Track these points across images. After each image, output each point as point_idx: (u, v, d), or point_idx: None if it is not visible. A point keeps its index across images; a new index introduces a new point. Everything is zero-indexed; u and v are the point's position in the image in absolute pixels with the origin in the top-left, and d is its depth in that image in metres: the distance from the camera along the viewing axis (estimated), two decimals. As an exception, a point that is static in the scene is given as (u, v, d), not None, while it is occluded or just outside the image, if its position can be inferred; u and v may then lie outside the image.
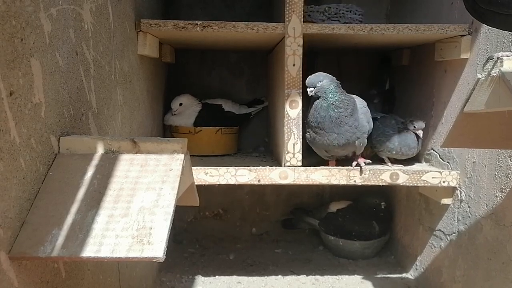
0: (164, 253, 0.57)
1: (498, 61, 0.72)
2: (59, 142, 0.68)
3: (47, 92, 0.64)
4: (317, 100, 1.16)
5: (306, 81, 1.15)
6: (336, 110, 1.15)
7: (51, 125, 0.66)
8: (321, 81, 1.15)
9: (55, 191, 0.63)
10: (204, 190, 1.12)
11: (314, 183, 1.19)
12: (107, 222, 0.61)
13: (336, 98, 1.15)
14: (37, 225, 0.59)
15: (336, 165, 1.23)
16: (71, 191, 0.64)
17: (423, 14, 1.42)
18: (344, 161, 1.25)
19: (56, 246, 0.58)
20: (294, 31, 1.15)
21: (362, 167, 1.18)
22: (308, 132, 1.20)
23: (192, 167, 0.86)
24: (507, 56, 0.72)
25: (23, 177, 0.58)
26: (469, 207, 1.13)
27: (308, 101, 1.19)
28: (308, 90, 1.15)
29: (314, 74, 1.17)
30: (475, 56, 1.12)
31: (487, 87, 0.74)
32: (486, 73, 0.75)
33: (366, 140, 1.22)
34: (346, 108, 1.15)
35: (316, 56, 1.75)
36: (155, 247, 0.58)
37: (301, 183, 1.19)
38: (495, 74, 0.72)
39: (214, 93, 1.70)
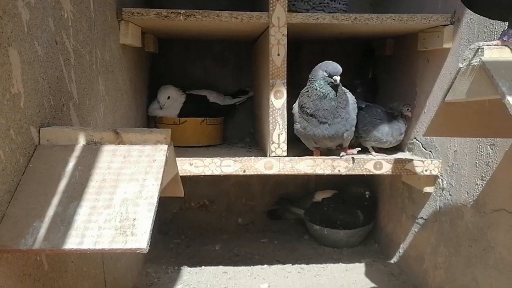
0: (148, 244, 0.57)
1: (479, 50, 0.73)
2: (39, 133, 0.67)
3: (26, 82, 0.63)
4: (324, 87, 1.12)
5: (336, 69, 1.11)
6: (336, 100, 1.14)
7: (31, 116, 0.64)
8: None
9: (36, 183, 0.63)
10: (190, 181, 1.12)
11: (299, 173, 1.20)
12: (89, 214, 0.60)
13: (341, 87, 1.16)
14: (17, 218, 0.58)
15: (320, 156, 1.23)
16: (52, 183, 0.63)
17: (406, 4, 1.42)
18: (329, 152, 1.26)
19: (37, 238, 0.57)
20: (278, 21, 1.15)
21: (353, 157, 1.20)
22: (298, 122, 1.19)
23: (177, 158, 0.86)
24: (487, 45, 0.72)
25: (2, 169, 0.57)
26: (450, 195, 1.15)
27: (295, 91, 1.19)
28: (338, 78, 1.11)
29: (334, 62, 1.14)
30: (457, 46, 1.13)
31: (468, 76, 0.75)
32: (467, 63, 0.76)
33: (353, 134, 1.23)
34: (343, 99, 1.16)
35: (301, 46, 1.75)
36: (139, 238, 0.57)
37: (286, 173, 1.19)
38: (476, 64, 0.73)
39: (198, 84, 1.69)
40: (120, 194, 0.63)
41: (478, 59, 0.73)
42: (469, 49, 0.76)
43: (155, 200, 0.63)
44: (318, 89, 1.14)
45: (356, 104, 1.23)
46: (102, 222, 0.59)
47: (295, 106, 1.22)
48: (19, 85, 0.61)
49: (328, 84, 1.13)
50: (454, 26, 1.15)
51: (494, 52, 0.73)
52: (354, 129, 1.22)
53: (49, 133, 0.68)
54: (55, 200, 0.61)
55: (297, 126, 1.20)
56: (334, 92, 1.13)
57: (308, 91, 1.16)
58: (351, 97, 1.22)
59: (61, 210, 0.60)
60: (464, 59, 0.77)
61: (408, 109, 1.30)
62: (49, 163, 0.65)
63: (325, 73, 1.13)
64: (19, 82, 0.61)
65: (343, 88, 1.20)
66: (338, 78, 1.11)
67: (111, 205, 0.61)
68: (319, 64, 1.16)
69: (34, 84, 0.65)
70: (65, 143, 0.68)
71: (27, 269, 0.62)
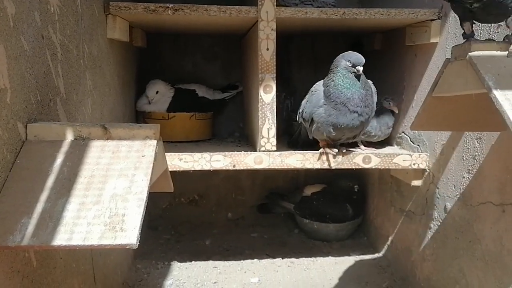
0: (137, 239, 0.57)
1: (466, 45, 0.74)
2: (26, 129, 0.66)
3: (12, 77, 0.62)
4: (349, 75, 1.12)
5: (359, 60, 1.11)
6: (365, 88, 1.13)
7: (18, 112, 0.64)
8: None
9: (24, 179, 0.62)
10: (179, 176, 1.12)
11: (289, 167, 1.20)
12: (78, 210, 0.60)
13: (364, 76, 1.15)
14: (5, 214, 0.58)
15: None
16: (40, 179, 0.62)
17: (394, -1, 1.43)
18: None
19: (26, 235, 0.56)
20: (267, 15, 1.14)
21: (343, 150, 1.21)
22: (323, 107, 1.15)
23: (166, 153, 0.86)
24: (467, 41, 0.74)
25: (-12, 166, 0.56)
26: (437, 188, 1.16)
27: (287, 85, 1.18)
28: (361, 68, 1.11)
29: (356, 53, 1.13)
30: (445, 40, 1.14)
31: (455, 70, 0.76)
32: (454, 57, 0.76)
33: (370, 127, 1.24)
34: (369, 87, 1.16)
35: (291, 40, 1.75)
36: (128, 234, 0.57)
37: (276, 167, 1.20)
38: (462, 58, 0.74)
39: (187, 78, 1.68)
40: (109, 189, 0.63)
41: (465, 54, 0.73)
42: (454, 45, 0.77)
43: (144, 196, 0.63)
44: (345, 79, 1.12)
45: (376, 94, 1.21)
46: (91, 218, 0.59)
47: (319, 90, 1.17)
48: (5, 81, 0.60)
49: (351, 73, 1.12)
50: (441, 21, 1.15)
51: (480, 47, 0.74)
52: (371, 122, 1.21)
53: (36, 129, 0.67)
54: (43, 196, 0.60)
55: (320, 111, 1.15)
56: (360, 82, 1.12)
57: (333, 81, 1.13)
58: (374, 89, 1.20)
59: (49, 206, 0.60)
60: (452, 54, 0.78)
61: (389, 104, 1.31)
62: (37, 159, 0.65)
63: (348, 63, 1.12)
64: (5, 78, 0.60)
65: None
66: (361, 68, 1.11)
67: (100, 201, 0.61)
68: (341, 54, 1.15)
69: (20, 80, 0.64)
70: (52, 139, 0.68)
71: (16, 265, 0.62)
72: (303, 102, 1.23)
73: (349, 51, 1.15)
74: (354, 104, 1.12)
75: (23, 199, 0.60)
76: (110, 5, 1.09)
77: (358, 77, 1.12)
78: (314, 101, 1.17)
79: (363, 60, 1.12)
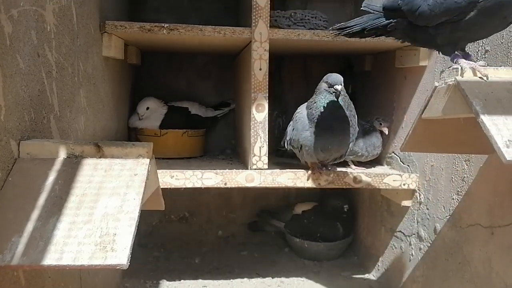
0: (128, 260, 0.57)
1: (454, 70, 0.76)
2: (19, 147, 0.66)
3: (7, 95, 0.62)
4: (330, 97, 1.13)
5: (336, 79, 1.12)
6: (348, 108, 1.15)
7: (11, 129, 0.64)
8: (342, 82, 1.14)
9: (15, 197, 0.62)
10: (170, 192, 1.12)
11: (280, 186, 1.20)
12: (69, 229, 0.59)
13: (347, 97, 1.16)
14: (-5, 233, 0.57)
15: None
16: (31, 197, 0.62)
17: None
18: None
19: (15, 254, 0.56)
20: (260, 36, 1.16)
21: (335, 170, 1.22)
22: (308, 129, 1.16)
23: (158, 170, 0.86)
24: (455, 67, 0.76)
25: (-20, 183, 0.56)
26: (427, 209, 1.17)
27: (279, 103, 1.19)
28: (340, 87, 1.12)
29: (335, 74, 1.14)
30: (433, 64, 1.17)
31: (443, 95, 0.78)
32: (443, 82, 0.78)
33: (354, 149, 1.24)
34: (352, 108, 1.17)
35: (283, 60, 1.78)
36: (119, 254, 0.57)
37: (268, 185, 1.20)
38: (451, 83, 0.76)
39: (181, 96, 1.69)
40: (101, 208, 0.63)
41: (453, 79, 0.75)
42: (443, 70, 0.79)
43: (136, 215, 0.62)
44: (324, 101, 1.14)
45: (357, 117, 1.22)
46: (81, 238, 0.59)
47: (303, 113, 1.19)
48: (0, 98, 0.60)
49: (331, 94, 1.13)
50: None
51: (468, 72, 0.76)
52: (357, 141, 1.21)
53: (29, 147, 0.67)
54: (35, 215, 0.60)
55: (306, 133, 1.17)
56: (343, 102, 1.14)
57: (315, 103, 1.15)
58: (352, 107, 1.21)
59: (40, 225, 0.59)
60: (440, 78, 0.80)
61: (380, 124, 1.32)
62: (29, 176, 0.65)
63: (326, 84, 1.14)
64: (0, 96, 0.60)
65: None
66: (339, 87, 1.12)
67: (91, 220, 0.61)
68: (323, 78, 1.16)
69: (15, 97, 0.65)
70: (45, 157, 0.68)
71: (4, 284, 0.61)
72: (289, 129, 1.24)
73: (329, 73, 1.16)
74: (335, 124, 1.14)
75: (14, 217, 0.59)
76: (106, 24, 1.10)
77: (337, 97, 1.13)
78: (300, 126, 1.19)
79: (340, 79, 1.13)
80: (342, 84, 1.13)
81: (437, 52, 0.85)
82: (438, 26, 0.79)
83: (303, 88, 1.78)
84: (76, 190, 0.64)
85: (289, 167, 1.25)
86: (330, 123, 1.14)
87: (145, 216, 1.71)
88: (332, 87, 1.12)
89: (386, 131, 1.32)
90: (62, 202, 0.63)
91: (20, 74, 0.66)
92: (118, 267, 0.57)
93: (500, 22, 0.75)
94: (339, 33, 0.92)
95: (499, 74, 0.75)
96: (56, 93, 0.81)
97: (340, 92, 1.13)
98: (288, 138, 1.25)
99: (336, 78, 1.13)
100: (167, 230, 1.78)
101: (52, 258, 0.56)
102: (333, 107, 1.13)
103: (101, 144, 0.70)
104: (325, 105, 1.14)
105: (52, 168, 0.66)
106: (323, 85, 1.15)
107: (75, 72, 0.92)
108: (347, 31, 0.90)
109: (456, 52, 0.80)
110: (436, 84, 0.81)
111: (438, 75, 0.84)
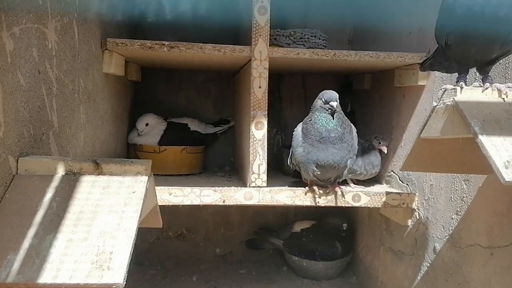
0: (124, 279, 0.56)
1: (452, 91, 0.76)
2: (17, 163, 0.66)
3: (6, 111, 0.62)
4: (325, 114, 1.14)
5: (331, 96, 1.13)
6: (342, 125, 1.15)
7: (10, 146, 0.64)
8: (338, 98, 1.15)
9: (12, 214, 0.61)
10: (168, 209, 1.11)
11: (279, 204, 1.20)
12: (65, 246, 0.59)
13: (343, 114, 1.17)
14: (-10, 250, 0.57)
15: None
16: (28, 214, 0.62)
17: (383, 41, 1.48)
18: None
19: (11, 271, 0.55)
20: (260, 54, 1.17)
21: (343, 192, 1.21)
22: (302, 146, 1.17)
23: (156, 187, 0.86)
24: (453, 88, 0.76)
25: (-23, 200, 0.56)
26: (427, 228, 1.17)
27: (278, 120, 1.20)
28: (335, 103, 1.13)
29: (330, 90, 1.16)
30: (432, 83, 1.17)
31: (442, 115, 0.78)
32: (441, 102, 0.79)
33: (353, 167, 1.23)
34: (347, 125, 1.17)
35: (282, 78, 1.79)
36: (115, 273, 0.56)
37: (266, 203, 1.19)
38: (449, 103, 0.76)
39: (180, 112, 1.69)
40: (98, 226, 0.62)
41: (452, 99, 0.76)
42: (441, 89, 0.79)
43: (133, 233, 0.62)
44: (320, 117, 1.14)
45: (357, 135, 1.22)
46: (78, 255, 0.58)
47: (298, 129, 1.20)
48: (0, 115, 0.60)
49: (327, 110, 1.14)
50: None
51: (466, 93, 0.77)
52: (355, 158, 1.20)
53: (27, 163, 0.67)
54: (31, 232, 0.60)
55: (299, 150, 1.17)
56: (337, 119, 1.14)
57: (311, 119, 1.16)
58: (353, 128, 1.21)
59: (36, 243, 0.59)
60: (438, 99, 0.80)
61: (379, 142, 1.32)
62: (26, 193, 0.64)
63: (321, 101, 1.14)
64: (0, 112, 0.60)
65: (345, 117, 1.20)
66: (334, 103, 1.13)
67: (88, 238, 0.60)
68: (318, 95, 1.17)
69: (14, 114, 0.65)
70: (43, 173, 0.68)
71: (-2, 303, 0.60)
72: (291, 148, 1.24)
73: (324, 90, 1.17)
74: (330, 141, 1.13)
75: (10, 234, 0.59)
76: (107, 41, 1.11)
77: (333, 113, 1.14)
78: (295, 143, 1.19)
79: (335, 96, 1.14)
80: (338, 100, 1.13)
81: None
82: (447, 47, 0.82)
83: (302, 105, 1.79)
84: (73, 208, 0.64)
85: (288, 185, 1.25)
86: (322, 139, 1.14)
87: (142, 233, 1.70)
88: (327, 103, 1.13)
89: (385, 150, 1.32)
90: (59, 219, 0.62)
91: (21, 90, 0.67)
92: (114, 286, 0.56)
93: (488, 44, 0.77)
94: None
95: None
96: (56, 109, 0.81)
97: (335, 109, 1.13)
98: (290, 156, 1.25)
99: (331, 95, 1.14)
100: (164, 248, 1.77)
101: (48, 276, 0.56)
102: (327, 124, 1.14)
103: (100, 161, 0.70)
104: (320, 122, 1.14)
105: (50, 185, 0.66)
106: (318, 102, 1.16)
107: (76, 88, 0.92)
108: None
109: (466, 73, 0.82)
110: (435, 104, 0.81)
111: (437, 95, 0.84)
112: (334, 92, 1.15)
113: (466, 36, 0.77)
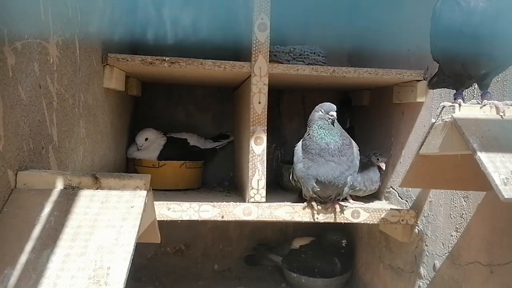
0: (121, 294, 0.56)
1: (450, 108, 0.77)
2: (16, 177, 0.66)
3: (6, 125, 0.62)
4: (324, 126, 1.13)
5: (331, 107, 1.14)
6: (341, 136, 1.14)
7: (9, 159, 0.64)
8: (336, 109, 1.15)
9: (10, 228, 0.61)
10: (166, 224, 1.11)
11: (278, 219, 1.19)
12: (62, 261, 0.58)
13: (341, 128, 1.16)
14: (-13, 265, 0.57)
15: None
16: (26, 228, 0.62)
17: (382, 58, 1.49)
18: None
19: (7, 286, 0.55)
20: (260, 71, 1.18)
21: (342, 207, 1.20)
22: (301, 161, 1.16)
23: (155, 202, 0.85)
24: (451, 105, 0.77)
25: (-25, 214, 0.56)
26: (426, 245, 1.16)
27: (278, 138, 1.20)
28: (334, 113, 1.12)
29: (328, 102, 1.15)
30: (430, 100, 1.18)
31: (440, 131, 0.79)
32: (440, 119, 0.79)
33: (355, 182, 1.21)
34: (346, 137, 1.16)
35: (282, 93, 1.80)
36: (113, 289, 0.56)
37: (265, 219, 1.19)
38: (448, 120, 0.77)
39: (180, 127, 1.70)
40: (96, 241, 0.62)
41: (450, 116, 0.76)
42: (440, 106, 0.80)
43: (131, 248, 0.62)
44: (320, 129, 1.13)
45: (359, 152, 1.21)
46: (75, 271, 0.58)
47: (298, 146, 1.19)
48: (0, 129, 0.60)
49: (327, 121, 1.13)
50: (426, 82, 1.20)
51: (465, 110, 0.77)
52: (356, 175, 1.19)
53: (26, 177, 0.67)
54: (29, 247, 0.59)
55: (299, 165, 1.16)
56: (336, 130, 1.13)
57: (309, 134, 1.15)
58: (354, 143, 1.20)
59: (34, 257, 0.58)
60: (437, 115, 0.81)
61: (378, 159, 1.32)
62: (25, 207, 0.64)
63: (321, 112, 1.14)
64: (0, 126, 0.60)
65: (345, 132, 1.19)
66: (334, 113, 1.12)
67: (85, 253, 0.60)
68: (315, 108, 1.17)
69: (14, 128, 0.65)
70: (42, 187, 0.68)
71: (-7, 319, 0.60)
72: (293, 165, 1.23)
73: (322, 103, 1.17)
74: (329, 153, 1.12)
75: (7, 248, 0.59)
76: (108, 56, 1.12)
77: (333, 123, 1.13)
78: (295, 159, 1.19)
79: (334, 107, 1.14)
80: (336, 111, 1.13)
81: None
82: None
83: (301, 121, 1.80)
84: (71, 222, 0.64)
85: (288, 201, 1.24)
86: (322, 151, 1.13)
87: (140, 248, 1.69)
88: (327, 113, 1.13)
89: (383, 166, 1.32)
90: (57, 234, 0.62)
91: (21, 105, 0.67)
92: (111, 303, 0.55)
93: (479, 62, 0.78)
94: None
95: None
96: (56, 124, 0.81)
97: (335, 118, 1.13)
98: (291, 172, 1.24)
99: (330, 106, 1.14)
100: (162, 263, 1.75)
101: (44, 291, 0.55)
102: (326, 136, 1.13)
103: (99, 176, 0.70)
104: (318, 135, 1.13)
105: (48, 199, 0.66)
106: (316, 114, 1.15)
107: (76, 103, 0.92)
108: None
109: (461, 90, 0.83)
110: (433, 121, 0.82)
111: (435, 112, 0.85)
112: (332, 104, 1.15)
113: (450, 53, 0.79)
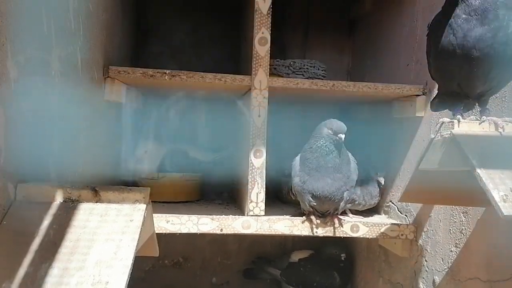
0: (120, 309, 0.55)
1: (449, 124, 0.77)
2: (16, 189, 0.66)
3: (7, 138, 0.63)
4: (328, 144, 1.12)
5: (341, 128, 1.11)
6: (339, 158, 1.12)
7: (9, 172, 0.64)
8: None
9: (8, 242, 0.61)
10: (164, 236, 1.10)
11: (277, 233, 1.19)
12: (61, 275, 0.58)
13: (344, 147, 1.15)
14: (-15, 278, 0.56)
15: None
16: (25, 241, 0.61)
17: (381, 72, 1.50)
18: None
19: (4, 301, 0.55)
20: (260, 84, 1.19)
21: (341, 221, 1.20)
22: (298, 175, 1.16)
23: (154, 214, 0.85)
24: (450, 121, 0.77)
25: (-26, 227, 0.56)
26: (426, 261, 1.16)
27: (278, 150, 1.19)
28: (343, 136, 1.10)
29: (339, 121, 1.13)
30: (430, 115, 1.19)
31: (440, 147, 0.79)
32: (439, 135, 0.80)
33: (352, 196, 1.21)
34: (345, 156, 1.15)
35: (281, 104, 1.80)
36: (111, 304, 0.56)
37: (264, 233, 1.19)
38: (447, 136, 0.77)
39: (180, 139, 1.70)
40: (94, 255, 0.62)
41: (449, 132, 0.77)
42: (439, 122, 0.80)
43: (130, 262, 0.62)
44: (323, 147, 1.12)
45: (356, 166, 1.19)
46: (73, 285, 0.58)
47: (296, 160, 1.19)
48: (1, 142, 0.61)
49: (333, 141, 1.12)
50: (426, 97, 1.21)
51: (464, 126, 0.78)
52: (353, 190, 1.19)
53: (26, 190, 0.67)
54: (27, 260, 0.59)
55: (296, 180, 1.16)
56: (338, 150, 1.12)
57: (311, 147, 1.14)
58: (352, 157, 1.19)
59: (32, 271, 0.58)
60: (436, 131, 0.81)
61: (377, 173, 1.32)
62: (24, 220, 0.64)
63: (330, 131, 1.12)
64: (1, 139, 0.61)
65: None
66: (343, 136, 1.10)
67: (84, 267, 0.60)
68: (323, 122, 1.15)
69: (15, 140, 0.65)
70: (42, 200, 0.68)
71: (-11, 333, 0.59)
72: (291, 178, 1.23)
73: (331, 119, 1.15)
74: (326, 170, 1.12)
75: (6, 262, 0.58)
76: (109, 69, 1.12)
77: (338, 145, 1.12)
78: (293, 172, 1.19)
79: (345, 128, 1.11)
80: (345, 133, 1.11)
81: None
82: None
83: (300, 134, 1.80)
84: (70, 235, 0.64)
85: (287, 214, 1.24)
86: (319, 168, 1.12)
87: (137, 261, 1.66)
88: (335, 134, 1.11)
89: (382, 180, 1.32)
90: (56, 247, 0.62)
91: (23, 117, 0.67)
92: (109, 318, 0.55)
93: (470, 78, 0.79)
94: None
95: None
96: (57, 136, 0.81)
97: (343, 141, 1.11)
98: (290, 186, 1.24)
99: (341, 127, 1.11)
100: (160, 276, 1.74)
101: (42, 306, 0.55)
102: (327, 154, 1.12)
103: (98, 189, 0.70)
104: (320, 151, 1.12)
105: (47, 212, 0.66)
106: (324, 130, 1.13)
107: (77, 115, 0.93)
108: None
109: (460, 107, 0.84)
110: (432, 136, 0.82)
111: (434, 126, 0.85)
112: (342, 123, 1.12)
113: (445, 73, 0.80)
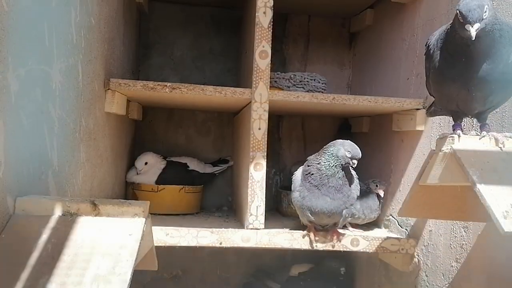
0: (117, 326, 0.55)
1: (449, 139, 0.77)
2: (15, 203, 0.66)
3: (7, 151, 0.62)
4: (338, 164, 1.11)
5: (358, 154, 1.11)
6: (343, 179, 1.13)
7: (9, 185, 0.64)
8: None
9: (6, 256, 0.60)
10: (163, 249, 1.09)
11: (276, 246, 1.18)
12: (58, 291, 0.58)
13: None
14: (-19, 293, 0.56)
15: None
16: (23, 255, 0.61)
17: (381, 85, 1.51)
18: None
19: (0, 316, 0.54)
20: (260, 97, 1.19)
21: (340, 236, 1.19)
22: (298, 190, 1.16)
23: (153, 227, 0.85)
24: (451, 135, 0.78)
25: (-28, 241, 0.55)
26: (426, 276, 1.15)
27: (277, 163, 1.20)
28: (356, 162, 1.11)
29: (357, 147, 1.12)
30: (430, 129, 1.19)
31: (440, 162, 0.79)
32: (439, 149, 0.79)
33: (352, 212, 1.20)
34: (349, 177, 1.14)
35: (281, 118, 1.81)
36: (108, 320, 0.55)
37: (264, 246, 1.18)
38: (447, 151, 0.77)
39: (180, 151, 1.70)
40: (92, 269, 0.61)
41: (449, 147, 0.76)
42: (439, 136, 0.81)
43: (128, 277, 0.61)
44: (332, 167, 1.11)
45: (358, 182, 1.19)
46: (71, 300, 0.57)
47: (298, 173, 1.18)
48: (1, 154, 0.60)
49: (345, 164, 1.11)
50: (426, 110, 1.21)
51: (464, 141, 0.78)
52: (353, 207, 1.18)
53: (25, 203, 0.67)
54: (25, 275, 0.59)
55: (295, 194, 1.16)
56: (345, 173, 1.13)
57: (320, 163, 1.13)
58: (355, 174, 1.18)
59: (29, 286, 0.58)
60: (436, 146, 0.81)
61: (376, 186, 1.32)
62: (22, 234, 0.64)
63: (347, 153, 1.11)
64: (1, 151, 0.61)
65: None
66: (356, 162, 1.11)
67: (81, 282, 0.59)
68: (341, 142, 1.13)
69: (15, 153, 0.65)
70: (40, 214, 0.67)
71: None
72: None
73: (350, 141, 1.14)
74: (326, 189, 1.12)
75: (3, 276, 0.58)
76: (110, 81, 1.13)
77: (348, 169, 1.12)
78: (293, 187, 1.19)
79: (360, 155, 1.12)
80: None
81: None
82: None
83: (301, 146, 1.80)
84: (68, 250, 0.63)
85: (286, 227, 1.23)
86: (321, 185, 1.12)
87: (136, 274, 1.65)
88: (352, 159, 1.11)
89: (382, 193, 1.31)
90: (54, 262, 0.61)
91: (22, 130, 0.67)
92: (106, 334, 0.54)
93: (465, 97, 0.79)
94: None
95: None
96: (56, 148, 0.81)
97: (354, 167, 1.12)
98: (291, 200, 1.23)
99: (358, 153, 1.11)
100: (158, 289, 1.72)
101: (38, 322, 0.54)
102: (333, 175, 1.11)
103: (98, 202, 0.69)
104: (326, 169, 1.11)
105: (46, 225, 0.66)
106: (341, 151, 1.11)
107: (77, 128, 0.93)
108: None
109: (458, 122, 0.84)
110: (433, 150, 0.82)
111: (435, 140, 0.85)
112: (359, 150, 1.12)
113: (443, 95, 0.81)
